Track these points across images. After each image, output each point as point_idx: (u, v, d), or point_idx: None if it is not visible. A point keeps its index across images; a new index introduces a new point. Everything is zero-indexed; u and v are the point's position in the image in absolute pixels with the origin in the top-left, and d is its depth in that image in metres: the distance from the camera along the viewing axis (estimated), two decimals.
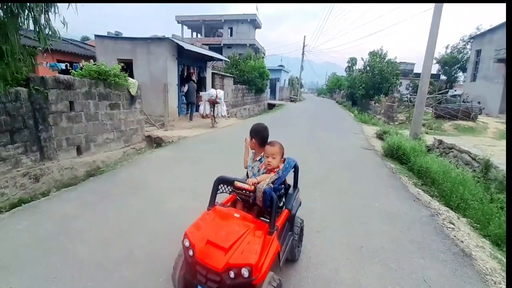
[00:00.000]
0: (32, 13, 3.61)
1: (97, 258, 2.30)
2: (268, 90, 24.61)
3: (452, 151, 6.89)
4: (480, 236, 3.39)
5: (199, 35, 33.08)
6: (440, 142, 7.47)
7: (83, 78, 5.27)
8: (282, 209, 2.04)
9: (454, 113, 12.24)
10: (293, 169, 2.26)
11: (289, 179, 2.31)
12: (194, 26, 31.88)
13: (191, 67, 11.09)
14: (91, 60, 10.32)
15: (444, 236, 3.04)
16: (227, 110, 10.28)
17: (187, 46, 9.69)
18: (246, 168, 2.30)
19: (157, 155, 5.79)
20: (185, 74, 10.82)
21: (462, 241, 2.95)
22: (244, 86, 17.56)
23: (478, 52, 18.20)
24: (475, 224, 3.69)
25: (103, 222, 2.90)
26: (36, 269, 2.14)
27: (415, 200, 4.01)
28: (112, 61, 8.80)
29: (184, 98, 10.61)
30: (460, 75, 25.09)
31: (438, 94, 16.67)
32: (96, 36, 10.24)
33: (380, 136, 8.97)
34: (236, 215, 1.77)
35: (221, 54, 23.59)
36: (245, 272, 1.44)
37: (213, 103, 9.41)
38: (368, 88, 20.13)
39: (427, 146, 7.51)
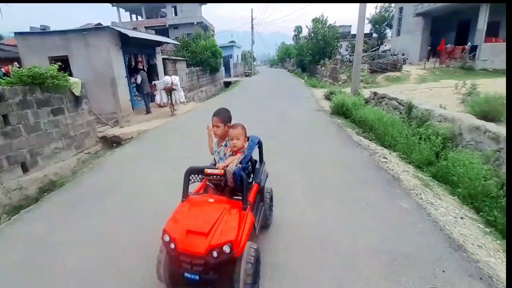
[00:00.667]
0: None
1: (87, 265, 2.21)
2: (222, 69, 23.74)
3: (384, 100, 7.78)
4: (406, 163, 4.12)
5: (139, 17, 29.38)
6: (375, 94, 8.33)
7: (14, 86, 4.44)
8: (252, 184, 2.10)
9: (384, 66, 13.46)
10: (257, 145, 2.30)
11: (255, 155, 2.34)
12: (133, 8, 28.01)
13: (138, 56, 10.09)
14: (15, 63, 8.70)
15: (379, 169, 3.65)
16: (184, 95, 9.85)
17: (131, 33, 8.69)
18: (212, 154, 2.30)
19: (119, 154, 5.38)
20: (133, 63, 9.86)
21: (392, 169, 3.59)
22: (198, 68, 16.69)
23: (401, 10, 19.58)
24: (402, 155, 4.43)
25: (81, 231, 2.70)
26: None
27: (357, 146, 4.62)
28: (43, 61, 7.58)
29: (136, 90, 9.77)
30: (388, 32, 26.96)
31: (372, 51, 17.94)
32: (17, 33, 8.56)
33: (327, 97, 9.60)
34: (211, 200, 1.80)
35: (167, 36, 21.55)
36: (226, 248, 1.49)
37: (170, 90, 8.89)
38: (314, 53, 20.69)
39: (365, 99, 8.34)
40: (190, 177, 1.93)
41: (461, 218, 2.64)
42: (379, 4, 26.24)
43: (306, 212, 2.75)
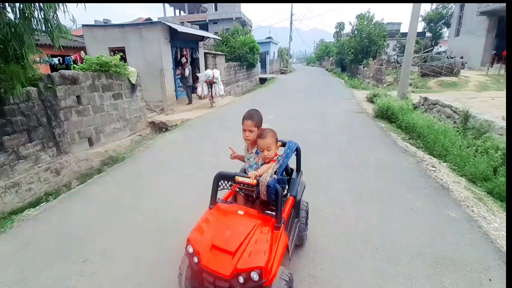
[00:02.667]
0: (43, 14, 3.70)
1: (152, 224, 2.71)
2: (258, 65, 24.21)
3: (436, 107, 7.40)
4: (457, 175, 3.99)
5: (182, 12, 31.32)
6: (425, 99, 7.95)
7: (86, 72, 5.37)
8: (287, 197, 1.95)
9: (438, 70, 12.56)
10: (295, 153, 2.13)
11: (291, 163, 2.20)
12: (176, 4, 30.06)
13: (183, 49, 10.95)
14: (82, 52, 10.10)
15: (427, 177, 3.62)
16: (223, 89, 10.43)
17: (180, 28, 9.50)
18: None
19: (169, 138, 6.15)
20: (179, 56, 10.72)
21: (442, 179, 3.55)
22: (235, 63, 17.32)
23: (462, 7, 17.95)
24: (454, 167, 4.28)
25: (146, 196, 3.35)
26: (105, 237, 2.59)
27: (403, 152, 4.57)
28: (103, 50, 8.62)
29: (180, 81, 10.63)
30: (445, 31, 24.86)
31: (424, 52, 16.78)
32: (84, 25, 9.88)
33: (370, 100, 9.37)
34: (240, 212, 1.66)
35: (207, 30, 22.69)
36: (254, 275, 1.36)
37: (210, 83, 9.54)
38: (356, 52, 20.01)
39: (414, 104, 7.99)
40: (220, 183, 1.81)
41: None
42: None
43: (347, 208, 2.93)
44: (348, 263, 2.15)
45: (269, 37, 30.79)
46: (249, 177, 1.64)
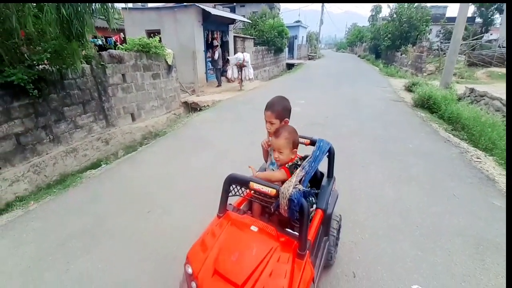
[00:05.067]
0: None
1: (193, 190, 3.09)
2: (286, 50, 23.82)
3: (484, 99, 7.00)
4: (504, 169, 3.89)
5: None
6: (472, 90, 7.52)
7: (130, 52, 5.82)
8: (313, 211, 1.59)
9: (488, 60, 11.65)
10: (327, 154, 1.72)
11: (322, 166, 1.78)
12: None
13: (214, 32, 11.16)
14: (121, 34, 10.76)
15: (471, 167, 3.59)
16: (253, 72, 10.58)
17: (214, 11, 9.71)
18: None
19: (203, 117, 6.53)
20: (210, 39, 10.98)
21: (487, 170, 3.50)
22: (263, 47, 17.24)
23: None
24: (500, 161, 4.15)
25: (187, 166, 3.73)
26: (162, 196, 3.00)
27: (446, 142, 4.50)
28: (141, 32, 9.12)
29: (210, 64, 10.95)
30: (497, 17, 22.51)
31: (473, 40, 15.50)
32: (123, 8, 10.42)
33: (408, 89, 9.02)
34: (254, 228, 1.35)
35: (234, 13, 22.57)
36: None
37: (241, 66, 9.73)
38: (394, 38, 18.90)
39: (458, 95, 7.60)
40: (231, 188, 1.49)
41: None
42: None
43: (385, 189, 3.05)
44: (388, 236, 2.32)
45: (298, 21, 29.92)
46: (267, 185, 1.31)
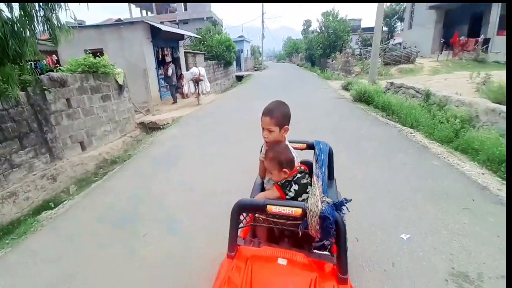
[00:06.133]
0: (45, 12, 3.57)
1: (183, 205, 3.02)
2: (234, 63, 24.37)
3: (401, 89, 8.37)
4: (430, 140, 4.76)
5: (149, 13, 30.05)
6: (391, 83, 8.92)
7: (74, 74, 5.13)
8: None
9: (398, 59, 13.97)
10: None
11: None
12: (143, 5, 28.73)
13: (165, 49, 10.80)
14: (54, 56, 9.46)
15: (409, 141, 4.32)
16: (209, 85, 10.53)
17: (164, 28, 9.39)
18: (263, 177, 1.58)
19: (168, 134, 6.17)
20: (160, 56, 10.57)
21: (421, 141, 4.25)
22: (213, 61, 17.34)
23: (413, 3, 19.91)
24: (425, 134, 5.07)
25: (170, 183, 3.51)
26: (151, 217, 2.80)
27: (386, 125, 5.28)
28: (78, 53, 8.21)
29: (163, 81, 10.48)
30: (398, 25, 27.25)
31: (385, 44, 18.35)
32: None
33: (345, 88, 10.20)
34: (281, 261, 1.02)
35: None
36: None
37: (197, 81, 9.60)
38: (325, 47, 21.18)
39: (382, 89, 8.94)
40: (242, 217, 1.19)
41: (482, 174, 3.29)
42: None
43: (354, 170, 3.43)
44: (370, 205, 2.65)
45: (241, 36, 31.01)
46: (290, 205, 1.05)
